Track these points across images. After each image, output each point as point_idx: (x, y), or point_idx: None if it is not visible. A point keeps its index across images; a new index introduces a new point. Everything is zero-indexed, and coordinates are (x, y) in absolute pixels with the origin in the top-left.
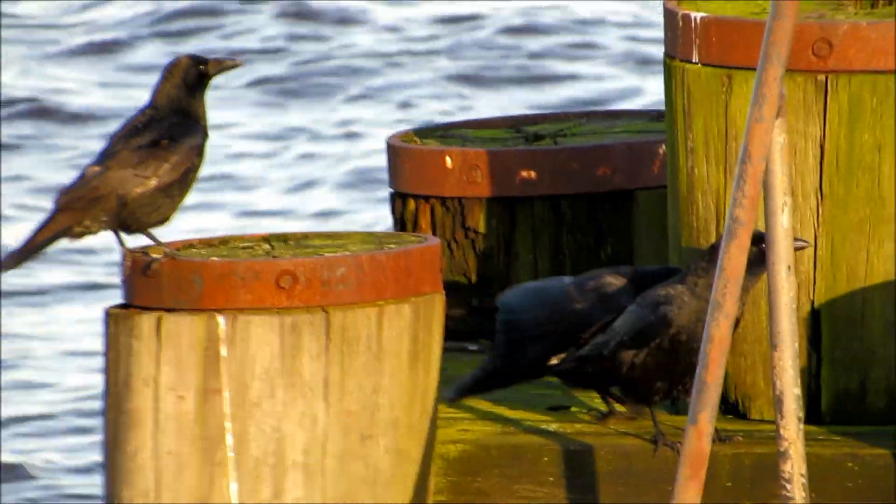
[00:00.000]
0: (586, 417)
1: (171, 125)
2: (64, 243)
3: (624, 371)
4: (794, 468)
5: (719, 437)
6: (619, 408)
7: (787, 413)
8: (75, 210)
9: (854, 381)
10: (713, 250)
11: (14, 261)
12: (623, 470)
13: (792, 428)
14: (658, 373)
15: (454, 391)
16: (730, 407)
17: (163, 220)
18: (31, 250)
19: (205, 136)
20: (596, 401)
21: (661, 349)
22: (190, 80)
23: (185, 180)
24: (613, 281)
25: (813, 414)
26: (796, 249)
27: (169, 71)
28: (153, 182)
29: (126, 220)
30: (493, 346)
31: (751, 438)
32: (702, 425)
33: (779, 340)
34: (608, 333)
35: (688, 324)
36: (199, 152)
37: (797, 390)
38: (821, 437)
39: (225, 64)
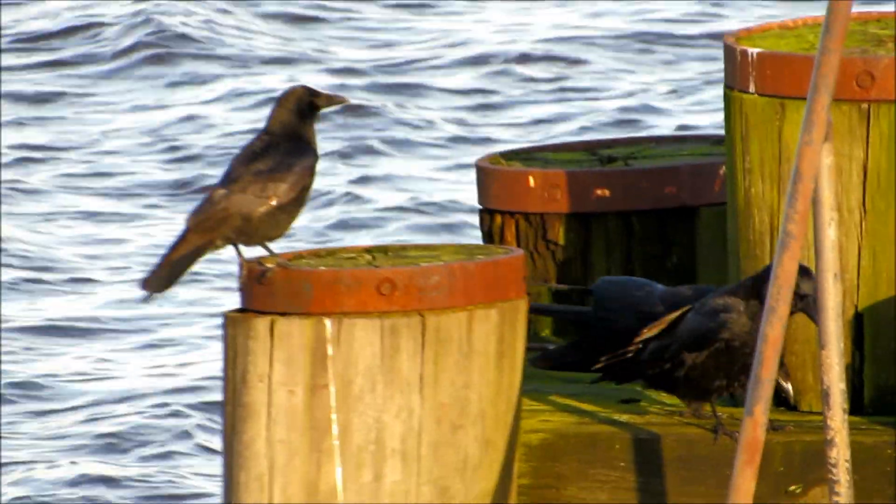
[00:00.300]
0: (653, 409)
1: (286, 150)
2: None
3: (685, 371)
4: (840, 454)
5: (773, 427)
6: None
7: (833, 405)
8: (205, 230)
9: (893, 376)
10: (759, 276)
11: (161, 284)
12: (686, 456)
13: (837, 418)
14: (716, 372)
15: (535, 358)
16: (782, 400)
17: (280, 235)
18: (173, 272)
19: (315, 157)
20: (662, 395)
21: (719, 351)
22: (303, 109)
23: (301, 198)
24: (687, 293)
25: (856, 406)
26: None
27: (285, 98)
28: (274, 202)
29: (250, 236)
30: (591, 324)
31: (801, 428)
32: (757, 416)
33: (826, 341)
34: (670, 337)
35: (741, 331)
36: (311, 172)
37: (842, 385)
38: (863, 427)
39: (334, 99)
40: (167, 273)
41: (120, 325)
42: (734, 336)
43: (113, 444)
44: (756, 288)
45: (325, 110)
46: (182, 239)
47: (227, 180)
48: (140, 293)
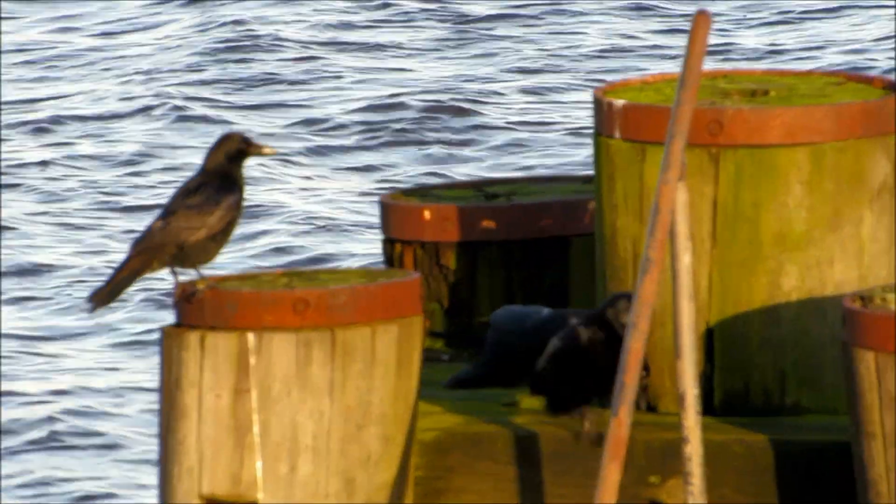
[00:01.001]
0: (530, 411)
1: (215, 188)
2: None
3: (552, 383)
4: (693, 450)
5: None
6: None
7: (687, 407)
8: (146, 255)
9: (739, 382)
10: (603, 310)
11: (103, 299)
12: (559, 451)
13: (691, 419)
14: (572, 385)
15: (451, 381)
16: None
17: (209, 261)
18: (114, 288)
19: (241, 195)
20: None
21: (569, 367)
22: (234, 154)
23: (227, 230)
24: (574, 320)
25: (707, 408)
26: None
27: (220, 144)
28: (203, 232)
29: (182, 261)
30: (482, 354)
31: (659, 427)
32: (622, 417)
33: (681, 352)
34: (542, 357)
35: (586, 350)
36: (237, 208)
37: (696, 390)
38: (714, 427)
39: (263, 150)
40: (110, 290)
41: None
42: (579, 353)
43: None
44: (599, 316)
45: (253, 158)
46: (126, 263)
47: (165, 213)
48: (86, 306)
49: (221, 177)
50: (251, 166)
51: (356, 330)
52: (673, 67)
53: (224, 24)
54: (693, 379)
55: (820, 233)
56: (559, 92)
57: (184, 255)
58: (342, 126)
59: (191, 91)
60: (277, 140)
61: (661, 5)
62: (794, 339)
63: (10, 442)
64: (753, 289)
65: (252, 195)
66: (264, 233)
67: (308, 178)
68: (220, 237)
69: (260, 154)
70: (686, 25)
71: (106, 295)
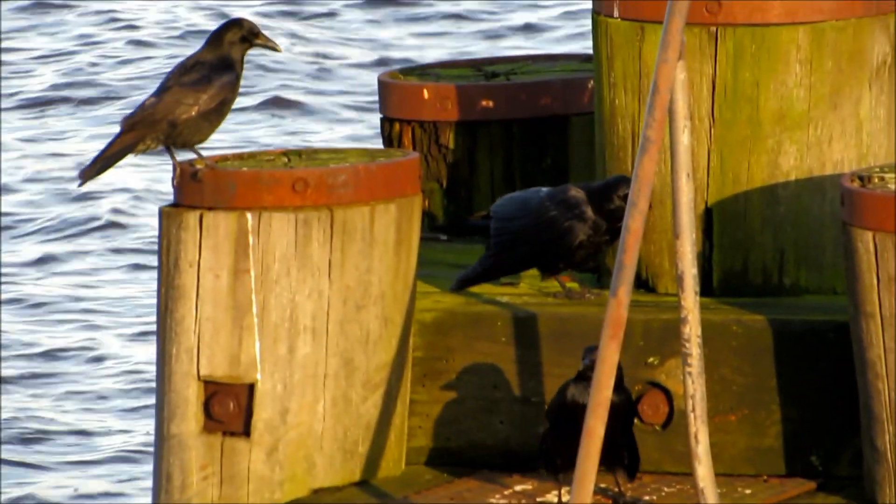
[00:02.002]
0: (530, 291)
1: (211, 67)
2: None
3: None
4: (692, 330)
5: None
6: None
7: (686, 288)
8: (137, 131)
9: (738, 262)
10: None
11: (92, 172)
12: (559, 332)
13: (690, 299)
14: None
15: (456, 283)
16: (642, 283)
17: (203, 140)
18: (104, 164)
19: (237, 77)
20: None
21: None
22: (238, 40)
23: (220, 109)
24: (575, 194)
25: (706, 288)
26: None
27: (226, 27)
28: (195, 110)
29: (175, 139)
30: (487, 247)
31: (658, 307)
32: (620, 297)
33: (680, 231)
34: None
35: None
36: (231, 89)
37: (694, 270)
38: (712, 307)
39: (268, 43)
40: (100, 165)
41: None
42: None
43: None
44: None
45: (256, 47)
46: (116, 138)
47: (160, 90)
48: (77, 180)
49: (220, 58)
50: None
51: (355, 209)
52: None
53: None
54: (692, 258)
55: (819, 111)
56: None
57: (176, 133)
58: None
59: None
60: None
61: None
62: (794, 218)
63: None
64: (753, 168)
65: None
66: None
67: None
68: (213, 116)
69: (265, 46)
70: None
71: (96, 170)
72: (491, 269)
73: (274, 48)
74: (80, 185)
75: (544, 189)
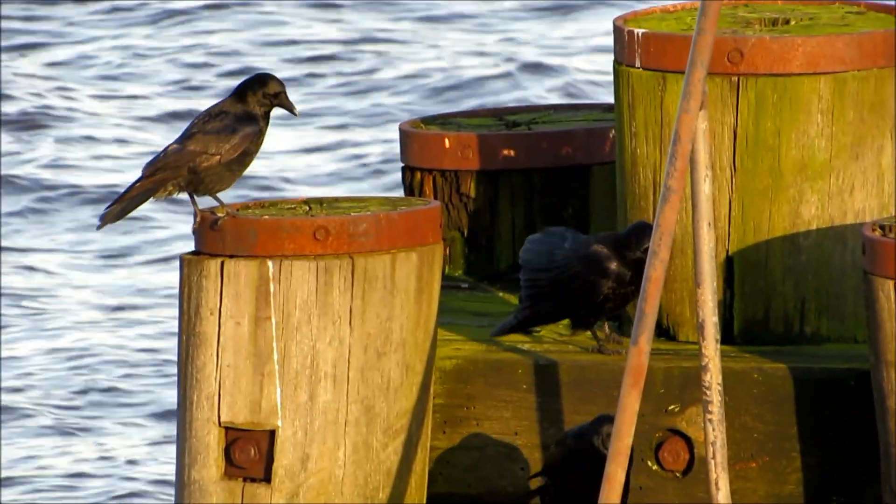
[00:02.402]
0: (550, 338)
1: (235, 118)
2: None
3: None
4: (713, 378)
5: None
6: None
7: (707, 336)
8: (158, 176)
9: (759, 310)
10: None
11: (112, 217)
12: (580, 380)
13: (711, 347)
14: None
15: (497, 331)
16: (663, 331)
17: (224, 188)
18: (124, 207)
19: (260, 130)
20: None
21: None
22: (260, 97)
23: (242, 160)
24: (597, 248)
25: (727, 337)
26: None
27: (250, 84)
28: (216, 159)
29: (197, 186)
30: (520, 299)
31: (678, 355)
32: (641, 345)
33: (701, 280)
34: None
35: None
36: (253, 140)
37: (715, 318)
38: (733, 355)
39: (286, 105)
40: (121, 209)
41: None
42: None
43: None
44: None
45: (277, 109)
46: (137, 182)
47: (183, 137)
48: (97, 223)
49: (245, 110)
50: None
51: (376, 257)
52: None
53: None
54: (713, 307)
55: (841, 161)
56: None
57: (198, 180)
58: None
59: None
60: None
61: None
62: (815, 267)
63: None
64: (774, 217)
65: None
66: None
67: None
68: (235, 166)
69: (287, 109)
70: None
71: (115, 214)
72: (528, 320)
73: (291, 111)
74: (99, 228)
75: (569, 235)
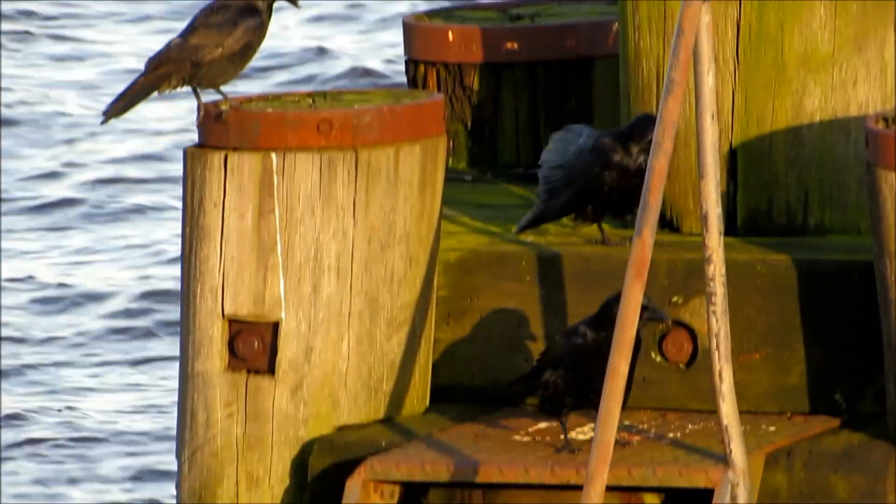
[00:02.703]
0: (554, 231)
1: (237, 11)
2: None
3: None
4: (716, 270)
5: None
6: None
7: (710, 227)
8: (162, 70)
9: (763, 202)
10: (601, 311)
11: (116, 111)
12: (583, 271)
13: (714, 239)
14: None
15: (518, 228)
16: (666, 223)
17: (227, 82)
18: (127, 102)
19: (261, 22)
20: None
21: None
22: None
23: (244, 53)
24: (604, 141)
25: (730, 228)
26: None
27: None
28: (219, 52)
29: (200, 80)
30: (538, 195)
31: (682, 247)
32: (645, 237)
33: (704, 171)
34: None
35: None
36: (255, 33)
37: (719, 210)
38: (737, 247)
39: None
40: (124, 103)
41: None
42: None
43: None
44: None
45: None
46: (140, 77)
47: (186, 31)
48: (101, 117)
49: (247, 3)
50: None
51: (380, 150)
52: None
53: None
54: (716, 199)
55: (844, 53)
56: None
57: (201, 74)
58: None
59: None
60: None
61: None
62: (818, 158)
63: None
64: (777, 109)
65: None
66: None
67: None
68: (237, 59)
69: (289, 1)
70: None
71: (120, 108)
72: (544, 214)
73: (294, 3)
74: (103, 122)
75: (586, 131)
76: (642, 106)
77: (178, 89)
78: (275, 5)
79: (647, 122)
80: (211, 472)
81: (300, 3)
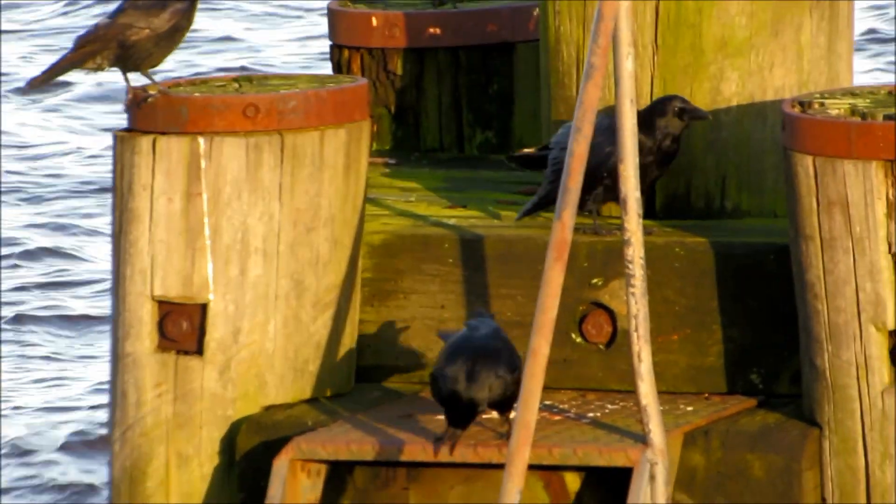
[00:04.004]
0: (477, 214)
1: None
2: None
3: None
4: (635, 252)
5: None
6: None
7: (629, 210)
8: (87, 48)
9: (681, 186)
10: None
11: (39, 82)
12: (505, 254)
13: (633, 221)
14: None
15: (520, 214)
16: (584, 204)
17: (154, 65)
18: (52, 74)
19: (192, 5)
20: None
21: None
22: None
23: (172, 36)
24: (602, 120)
25: (649, 211)
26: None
27: None
28: (146, 32)
29: (126, 61)
30: (545, 176)
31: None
32: (565, 220)
33: (624, 156)
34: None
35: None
36: (184, 16)
37: (637, 193)
38: (655, 230)
39: None
40: (48, 75)
41: None
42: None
43: None
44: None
45: None
46: (67, 54)
47: (114, 11)
48: (24, 88)
49: None
50: None
51: (305, 134)
52: None
53: None
54: (635, 182)
55: (761, 38)
56: None
57: (127, 55)
58: None
59: None
60: None
61: None
62: (735, 143)
63: None
64: (695, 94)
65: None
66: None
67: None
68: (164, 42)
69: None
70: None
71: (41, 80)
72: (547, 196)
73: None
74: (26, 92)
75: (599, 116)
76: (563, 90)
77: (106, 69)
78: None
79: (665, 104)
80: (141, 451)
81: None
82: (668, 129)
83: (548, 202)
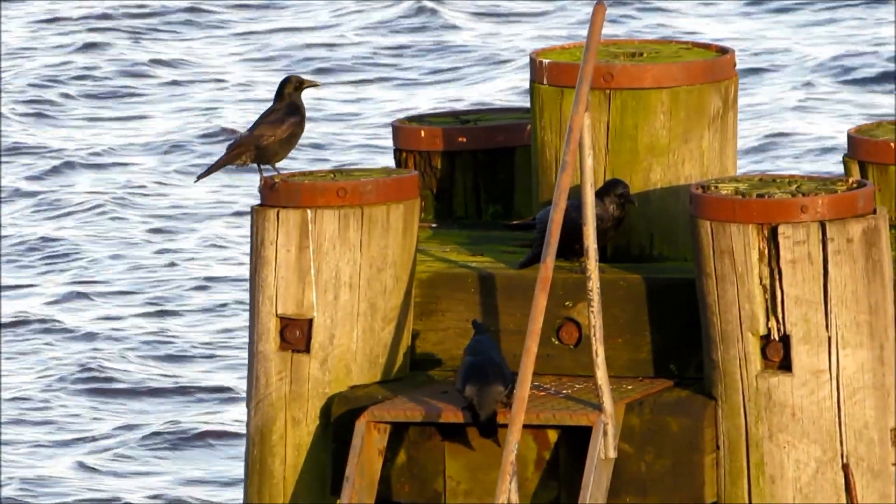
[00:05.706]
0: (489, 259)
1: (284, 111)
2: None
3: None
4: (594, 284)
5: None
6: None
7: (590, 257)
8: (236, 151)
9: (623, 240)
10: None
11: (204, 176)
12: (508, 285)
13: (593, 264)
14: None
15: (519, 266)
16: (562, 253)
17: (279, 160)
18: (212, 170)
19: (302, 117)
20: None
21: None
22: (292, 89)
23: (290, 140)
24: (575, 202)
25: (602, 257)
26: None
27: (284, 84)
28: (272, 139)
29: (261, 158)
30: (534, 240)
31: (572, 270)
32: (548, 262)
33: (586, 220)
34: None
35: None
36: (298, 125)
37: (595, 246)
38: (607, 270)
39: (312, 84)
40: (210, 171)
41: None
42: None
43: None
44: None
45: (306, 89)
46: (223, 156)
47: (252, 127)
48: (192, 181)
49: (288, 105)
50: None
51: (377, 207)
52: (583, 35)
53: None
54: (594, 238)
55: (676, 144)
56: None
57: (261, 154)
58: None
59: None
60: None
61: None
62: (659, 212)
63: None
64: (633, 181)
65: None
66: None
67: None
68: (285, 143)
69: (311, 86)
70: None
71: (205, 175)
72: (536, 256)
73: (314, 85)
74: (195, 182)
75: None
76: (547, 179)
77: (249, 164)
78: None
79: (614, 184)
80: (268, 416)
81: (319, 82)
82: (615, 206)
83: (537, 259)
